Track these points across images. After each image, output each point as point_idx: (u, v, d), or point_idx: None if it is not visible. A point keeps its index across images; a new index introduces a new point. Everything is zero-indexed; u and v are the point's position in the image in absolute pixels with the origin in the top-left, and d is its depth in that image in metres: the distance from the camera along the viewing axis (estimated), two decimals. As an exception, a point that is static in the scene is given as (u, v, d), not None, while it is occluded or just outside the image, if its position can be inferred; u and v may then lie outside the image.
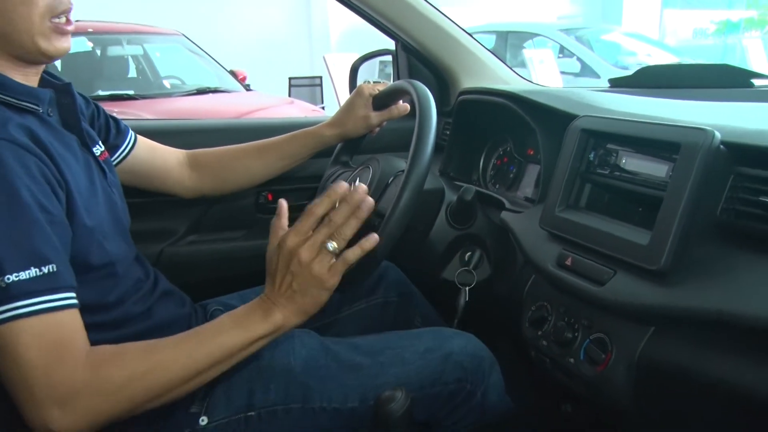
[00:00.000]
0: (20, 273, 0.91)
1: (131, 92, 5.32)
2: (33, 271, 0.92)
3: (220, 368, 1.05)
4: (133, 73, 6.04)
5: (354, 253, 1.04)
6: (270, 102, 5.77)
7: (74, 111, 1.19)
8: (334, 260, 1.04)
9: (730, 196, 1.02)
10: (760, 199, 0.97)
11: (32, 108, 1.08)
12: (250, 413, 1.19)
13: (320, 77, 8.23)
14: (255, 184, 1.67)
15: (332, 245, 1.03)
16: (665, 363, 1.03)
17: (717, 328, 0.95)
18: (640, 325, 1.07)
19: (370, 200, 1.04)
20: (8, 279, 0.90)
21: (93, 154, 1.21)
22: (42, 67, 1.13)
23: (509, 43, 9.00)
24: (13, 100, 1.05)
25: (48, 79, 1.16)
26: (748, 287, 0.93)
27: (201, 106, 5.36)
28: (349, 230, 1.04)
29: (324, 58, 7.63)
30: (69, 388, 0.92)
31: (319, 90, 8.22)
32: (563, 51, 8.66)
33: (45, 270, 0.93)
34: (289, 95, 7.73)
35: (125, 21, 6.29)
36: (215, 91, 5.78)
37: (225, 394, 1.19)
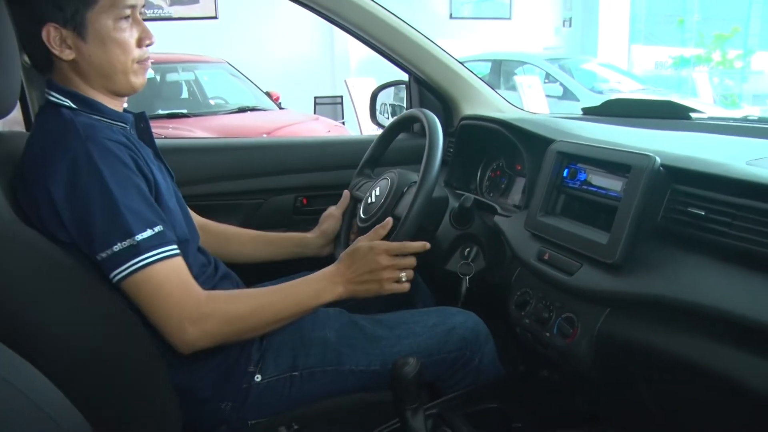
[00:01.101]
0: (143, 233, 1.05)
1: (184, 111, 5.36)
2: (149, 232, 1.06)
3: (292, 319, 1.20)
4: (185, 94, 6.07)
5: (407, 286, 1.25)
6: (299, 118, 5.80)
7: (148, 131, 1.29)
8: (397, 283, 1.24)
9: (668, 206, 1.06)
10: (688, 209, 1.02)
11: (122, 126, 1.19)
12: (294, 373, 1.26)
13: (341, 96, 8.11)
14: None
15: (404, 275, 1.24)
16: (618, 336, 1.08)
17: (658, 309, 1.00)
18: (599, 306, 1.12)
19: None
20: (138, 238, 1.04)
21: (164, 162, 1.30)
22: (126, 98, 1.24)
23: (502, 70, 8.81)
24: (109, 120, 1.16)
25: (126, 110, 1.26)
26: (681, 277, 0.98)
27: (242, 122, 5.41)
28: (411, 276, 1.26)
29: (345, 82, 7.55)
30: (197, 312, 1.07)
31: (339, 107, 8.10)
32: (548, 77, 8.51)
33: (155, 230, 1.07)
34: (314, 112, 7.64)
35: (181, 51, 6.35)
36: (253, 109, 5.83)
37: (274, 358, 1.26)
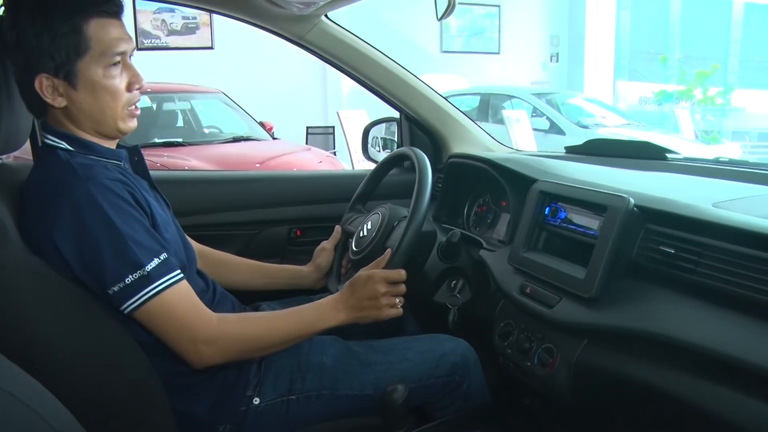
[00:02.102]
0: (151, 263, 1.11)
1: (180, 139, 5.35)
2: (156, 261, 1.12)
3: (297, 341, 1.28)
4: (180, 123, 6.06)
5: (402, 311, 1.32)
6: (292, 149, 5.80)
7: (142, 163, 1.33)
8: (394, 308, 1.30)
9: (641, 244, 1.11)
10: (660, 247, 1.07)
11: (116, 163, 1.23)
12: (291, 397, 1.29)
13: (333, 127, 8.14)
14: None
15: (401, 301, 1.31)
16: (594, 366, 1.12)
17: (632, 341, 1.04)
18: (577, 338, 1.16)
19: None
20: (148, 268, 1.10)
21: (160, 193, 1.35)
22: (118, 138, 1.27)
23: (491, 104, 8.85)
24: (104, 159, 1.20)
25: (120, 145, 1.29)
26: (653, 311, 1.04)
27: (236, 151, 5.39)
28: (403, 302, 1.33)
29: (338, 114, 7.60)
30: (210, 333, 1.15)
31: (331, 138, 8.08)
32: (536, 111, 8.59)
33: (161, 258, 1.13)
34: (306, 142, 7.65)
35: (178, 80, 6.37)
36: (247, 139, 5.81)
37: (272, 382, 1.29)
